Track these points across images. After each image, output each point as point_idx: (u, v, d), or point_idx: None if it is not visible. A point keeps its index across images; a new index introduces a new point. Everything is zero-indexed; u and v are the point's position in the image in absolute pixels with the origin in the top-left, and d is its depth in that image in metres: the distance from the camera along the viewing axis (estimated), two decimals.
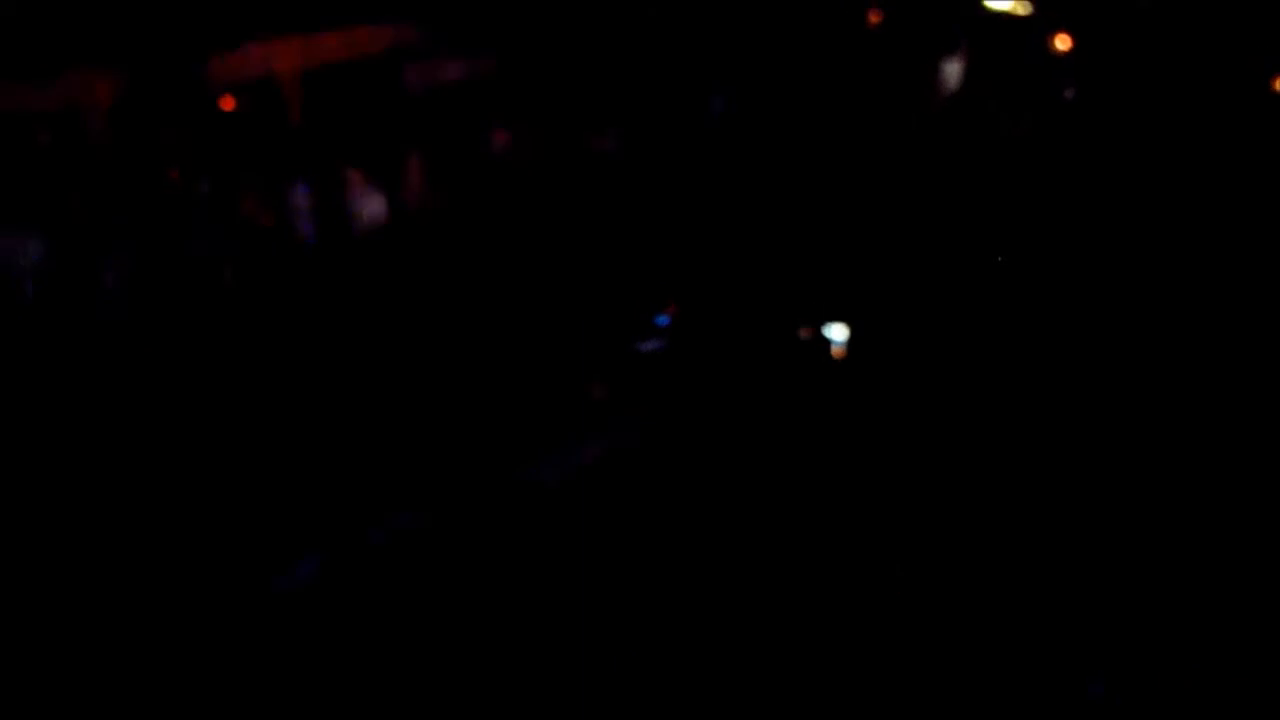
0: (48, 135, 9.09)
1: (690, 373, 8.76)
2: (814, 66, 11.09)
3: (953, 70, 11.99)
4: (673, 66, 11.08)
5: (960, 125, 10.62)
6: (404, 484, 7.30)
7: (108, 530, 6.85)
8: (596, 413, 8.18)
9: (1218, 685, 5.58)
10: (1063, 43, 11.77)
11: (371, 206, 9.19)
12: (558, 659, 5.87)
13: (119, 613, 6.30)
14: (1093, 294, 8.98)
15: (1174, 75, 11.14)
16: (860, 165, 10.35)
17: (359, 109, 10.13)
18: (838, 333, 9.77)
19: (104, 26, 9.59)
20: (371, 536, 6.88)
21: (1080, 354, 8.38)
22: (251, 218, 9.47)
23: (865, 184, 10.21)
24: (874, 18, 11.84)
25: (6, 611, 6.27)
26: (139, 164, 8.74)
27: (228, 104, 10.07)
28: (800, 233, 9.95)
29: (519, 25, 11.52)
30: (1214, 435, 7.37)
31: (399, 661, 5.92)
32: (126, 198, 8.66)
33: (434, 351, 8.57)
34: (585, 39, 11.36)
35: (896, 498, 7.09)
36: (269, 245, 9.12)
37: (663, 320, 9.31)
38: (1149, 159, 10.54)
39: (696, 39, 11.28)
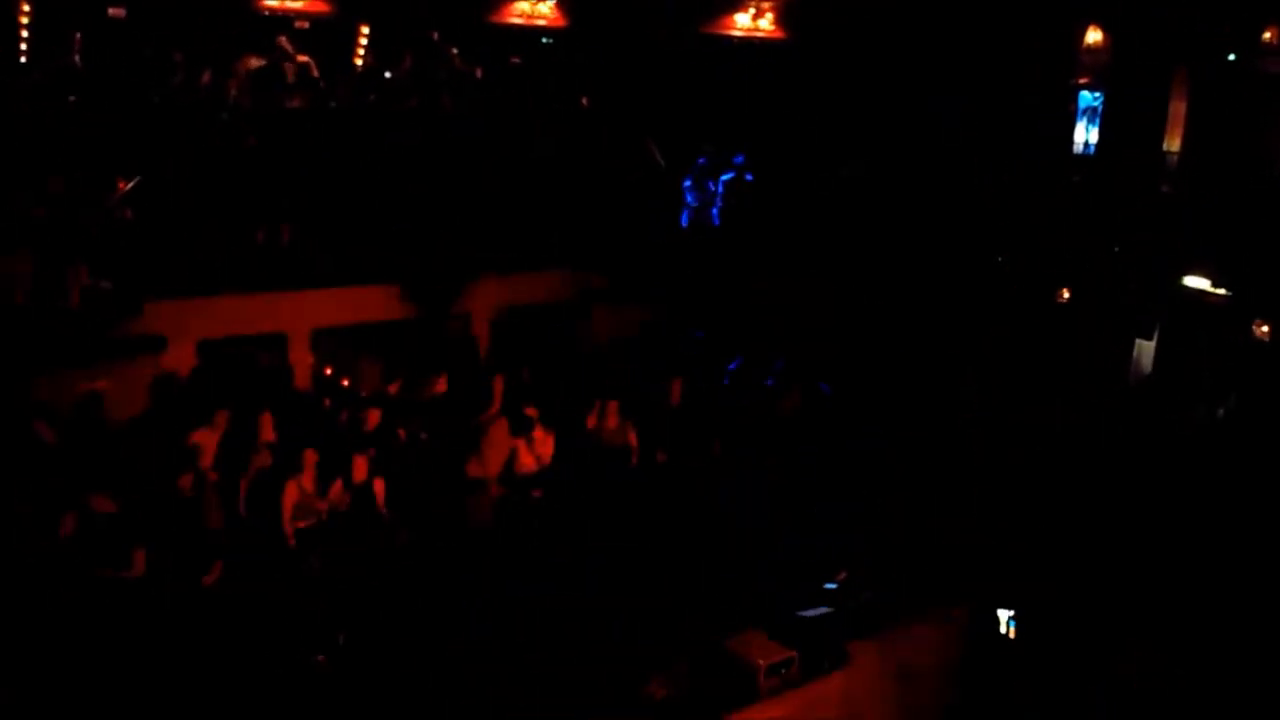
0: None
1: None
2: (1005, 344, 10.96)
3: (1147, 351, 11.60)
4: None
5: (1153, 410, 10.17)
6: None
7: None
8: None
9: None
10: (1264, 328, 11.29)
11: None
12: None
13: None
14: None
15: None
16: (1046, 450, 10.01)
17: (544, 353, 10.39)
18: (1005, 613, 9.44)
19: None
20: None
21: None
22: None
23: (1053, 469, 9.86)
24: (1064, 293, 11.64)
25: None
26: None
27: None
28: (975, 515, 9.69)
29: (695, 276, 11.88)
30: None
31: None
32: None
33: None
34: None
35: None
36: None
37: (830, 586, 9.02)
38: None
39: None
